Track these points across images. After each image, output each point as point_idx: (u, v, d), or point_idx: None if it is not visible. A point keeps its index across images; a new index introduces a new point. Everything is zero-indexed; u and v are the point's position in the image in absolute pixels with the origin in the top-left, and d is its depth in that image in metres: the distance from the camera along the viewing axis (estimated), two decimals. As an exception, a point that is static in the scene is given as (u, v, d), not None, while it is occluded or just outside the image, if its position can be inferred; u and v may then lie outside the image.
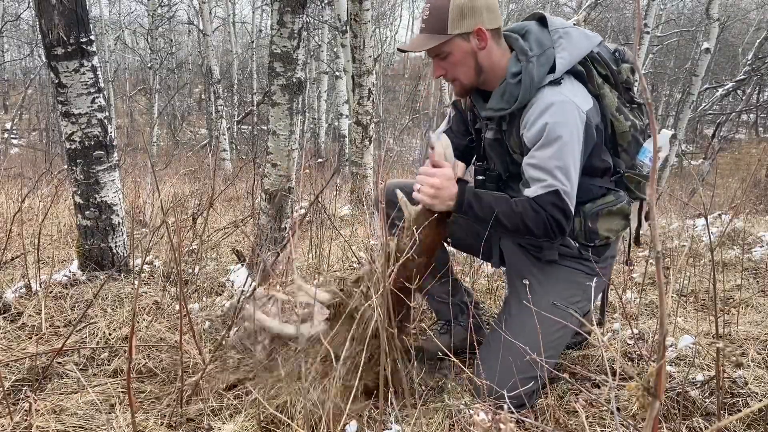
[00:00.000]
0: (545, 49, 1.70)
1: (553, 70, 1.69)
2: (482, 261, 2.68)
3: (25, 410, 1.65)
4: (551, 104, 1.65)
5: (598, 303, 2.08)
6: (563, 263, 1.84)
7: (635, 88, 1.87)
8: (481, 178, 1.93)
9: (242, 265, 2.91)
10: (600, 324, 2.09)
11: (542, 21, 1.79)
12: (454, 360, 1.78)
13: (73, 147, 2.67)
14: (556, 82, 1.69)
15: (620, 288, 2.80)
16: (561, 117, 1.64)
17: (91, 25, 2.61)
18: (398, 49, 1.80)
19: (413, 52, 1.78)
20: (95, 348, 2.09)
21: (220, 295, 2.68)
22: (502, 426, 1.02)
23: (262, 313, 1.88)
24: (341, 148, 10.77)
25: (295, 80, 2.65)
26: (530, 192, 1.69)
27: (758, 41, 13.79)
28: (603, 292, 2.03)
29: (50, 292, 2.54)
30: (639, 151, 1.84)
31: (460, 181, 1.72)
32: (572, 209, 1.68)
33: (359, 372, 1.51)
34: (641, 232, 1.97)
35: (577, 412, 1.69)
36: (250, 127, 17.14)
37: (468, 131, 2.02)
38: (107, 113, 2.73)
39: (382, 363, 1.24)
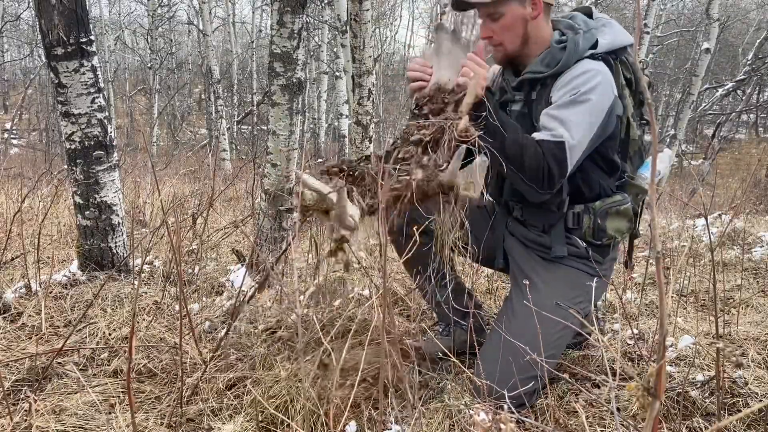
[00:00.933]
0: (590, 29, 1.77)
1: (594, 47, 1.75)
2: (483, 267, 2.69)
3: (25, 410, 1.65)
4: (590, 70, 1.70)
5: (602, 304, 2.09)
6: (568, 263, 1.84)
7: (645, 105, 1.89)
8: None
9: (242, 265, 2.91)
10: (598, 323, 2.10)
11: (588, 14, 1.86)
12: (455, 361, 1.78)
13: (73, 147, 2.67)
14: (595, 57, 1.74)
15: (620, 288, 2.80)
16: (595, 83, 1.68)
17: (91, 25, 2.61)
18: (455, 3, 1.77)
19: (473, 5, 1.76)
20: (95, 348, 2.09)
21: (220, 295, 2.68)
22: (502, 426, 1.02)
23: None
24: (341, 148, 10.77)
25: (295, 80, 2.65)
26: (536, 135, 1.69)
27: (758, 41, 13.79)
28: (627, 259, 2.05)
29: (50, 292, 2.54)
30: (641, 165, 1.88)
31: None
32: (569, 167, 1.66)
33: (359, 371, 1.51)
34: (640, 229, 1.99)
35: (577, 412, 1.69)
36: (250, 127, 17.13)
37: None
38: (107, 113, 2.73)
39: (382, 363, 1.24)
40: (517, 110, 1.85)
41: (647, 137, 1.90)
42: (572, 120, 1.65)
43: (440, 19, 1.87)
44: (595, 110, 1.67)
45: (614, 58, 1.78)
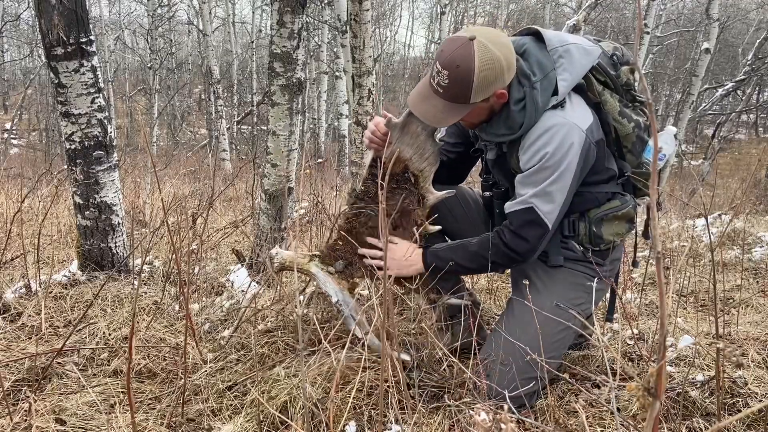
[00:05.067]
0: (547, 73, 1.67)
1: (555, 92, 1.68)
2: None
3: (25, 410, 1.65)
4: (551, 127, 1.65)
5: (606, 304, 2.08)
6: (568, 266, 1.84)
7: (636, 86, 1.87)
8: (488, 194, 1.95)
9: (242, 265, 2.91)
10: (609, 321, 2.09)
11: (537, 36, 1.75)
12: (454, 360, 1.78)
13: (72, 147, 2.67)
14: (559, 105, 1.68)
15: (620, 288, 2.80)
16: (559, 142, 1.65)
17: (90, 25, 2.61)
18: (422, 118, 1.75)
19: (436, 126, 1.78)
20: (95, 348, 2.09)
21: (220, 295, 2.67)
22: (503, 426, 1.02)
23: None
24: (341, 148, 10.77)
25: (294, 80, 2.65)
26: (508, 206, 1.74)
27: (758, 41, 13.78)
28: (612, 293, 2.03)
29: (50, 293, 2.54)
30: (644, 150, 1.84)
31: (423, 248, 1.85)
32: (550, 226, 1.70)
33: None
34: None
35: (577, 412, 1.69)
36: (250, 127, 17.13)
37: (461, 144, 2.02)
38: (107, 113, 2.73)
39: (383, 364, 1.24)
40: (491, 158, 1.86)
41: (642, 119, 1.84)
42: (540, 186, 1.67)
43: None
44: (564, 169, 1.66)
45: None
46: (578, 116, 1.69)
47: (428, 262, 1.83)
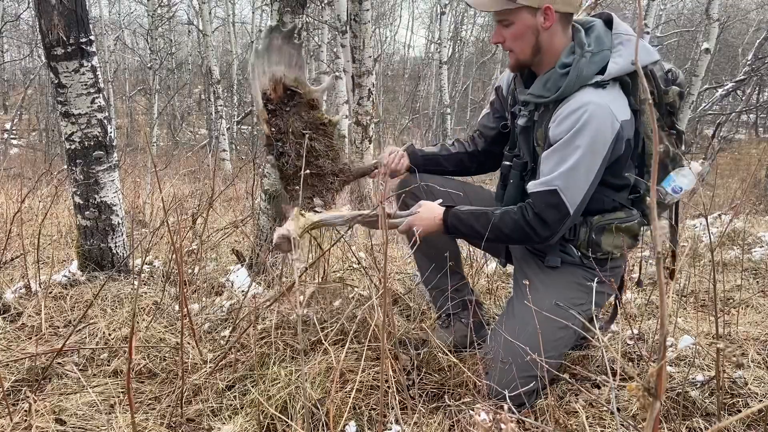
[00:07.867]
0: (602, 49, 1.68)
1: (602, 72, 1.67)
2: (488, 257, 2.70)
3: (25, 410, 1.65)
4: (588, 103, 1.63)
5: (610, 308, 2.08)
6: (567, 268, 1.84)
7: (679, 115, 1.84)
8: (507, 164, 1.92)
9: (242, 265, 2.91)
10: (611, 323, 2.09)
11: (608, 23, 1.76)
12: (454, 360, 1.79)
13: (72, 147, 2.67)
14: (601, 85, 1.67)
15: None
16: (593, 120, 1.62)
17: (90, 25, 2.61)
18: (466, 2, 1.78)
19: (477, 9, 1.75)
20: (95, 348, 2.09)
21: (220, 295, 2.67)
22: (502, 426, 1.02)
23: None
24: (341, 148, 10.75)
25: (295, 80, 2.64)
26: (532, 185, 1.72)
27: (758, 41, 13.77)
28: (616, 301, 2.02)
29: (50, 293, 2.54)
30: (664, 179, 1.81)
31: (447, 207, 1.84)
32: (571, 211, 1.67)
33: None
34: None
35: (577, 412, 1.69)
36: (250, 127, 17.13)
37: (503, 117, 2.01)
38: (107, 113, 2.73)
39: (382, 364, 1.24)
40: (521, 125, 1.84)
41: (673, 149, 1.82)
42: (566, 166, 1.64)
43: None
44: (592, 150, 1.63)
45: (633, 73, 1.69)
46: (617, 105, 1.67)
47: (448, 221, 1.82)
